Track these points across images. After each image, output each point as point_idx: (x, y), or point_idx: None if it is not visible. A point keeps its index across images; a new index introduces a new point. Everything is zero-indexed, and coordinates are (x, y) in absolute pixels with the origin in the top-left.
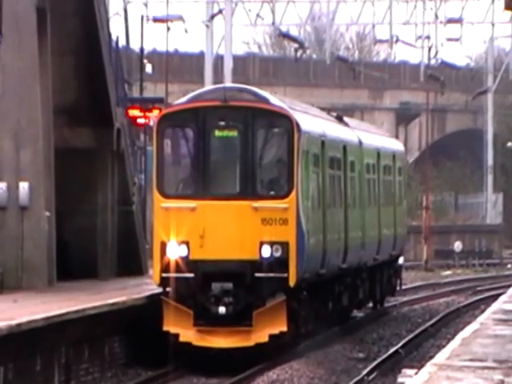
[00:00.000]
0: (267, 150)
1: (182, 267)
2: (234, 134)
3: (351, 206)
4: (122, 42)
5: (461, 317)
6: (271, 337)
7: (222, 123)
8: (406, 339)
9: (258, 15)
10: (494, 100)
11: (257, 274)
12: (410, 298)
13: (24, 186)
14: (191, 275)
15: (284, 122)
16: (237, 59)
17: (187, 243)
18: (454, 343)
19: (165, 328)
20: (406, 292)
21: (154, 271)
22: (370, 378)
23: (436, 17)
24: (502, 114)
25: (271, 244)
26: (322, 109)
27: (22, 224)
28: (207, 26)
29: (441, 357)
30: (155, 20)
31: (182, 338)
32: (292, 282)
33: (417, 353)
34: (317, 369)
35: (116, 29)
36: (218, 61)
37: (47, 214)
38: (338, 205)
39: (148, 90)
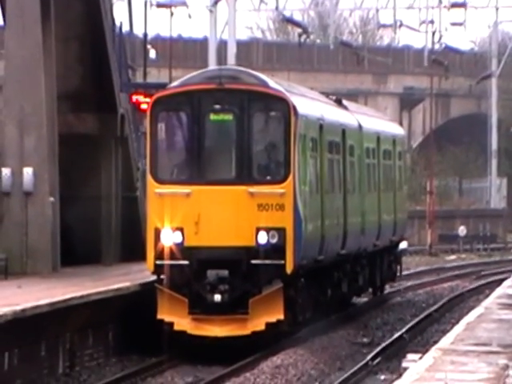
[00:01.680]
0: (264, 133)
1: (176, 254)
2: (229, 117)
3: (350, 191)
4: (125, 28)
5: (465, 301)
6: (268, 325)
7: (218, 107)
8: (411, 324)
9: (261, 0)
10: (498, 84)
11: (253, 261)
12: (414, 282)
13: (28, 172)
14: (186, 262)
15: (281, 106)
16: (240, 44)
17: (182, 230)
18: (459, 328)
19: (159, 316)
20: (410, 277)
21: (148, 258)
22: (375, 362)
23: (440, 1)
24: (506, 98)
25: (268, 230)
26: (322, 93)
27: (26, 210)
28: (211, 11)
29: (445, 341)
30: (159, 5)
31: (176, 327)
32: (289, 269)
33: (421, 338)
34: (321, 354)
35: (120, 14)
36: (222, 46)
37: (51, 199)
38: (337, 190)
39: (152, 76)
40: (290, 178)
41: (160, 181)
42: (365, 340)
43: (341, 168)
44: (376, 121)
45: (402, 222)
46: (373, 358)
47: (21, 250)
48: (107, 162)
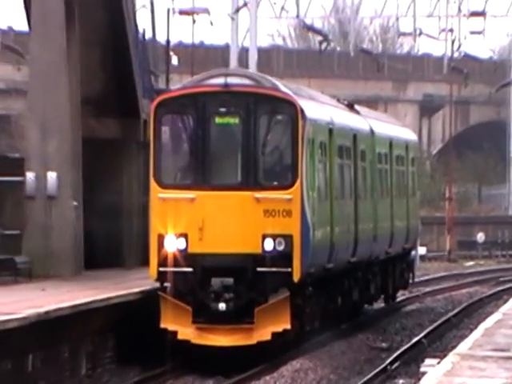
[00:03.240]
0: (270, 137)
1: (180, 261)
2: (235, 120)
3: (362, 197)
4: (148, 34)
5: (483, 307)
6: (274, 335)
7: (223, 109)
8: (429, 329)
9: (282, 8)
10: None
11: (259, 269)
12: (433, 288)
13: (52, 176)
14: (190, 270)
15: (288, 109)
16: (261, 51)
17: (186, 236)
18: (477, 333)
19: (162, 325)
20: (428, 282)
21: (151, 265)
22: (393, 367)
23: (459, 10)
24: None
25: (274, 237)
26: (333, 97)
27: (49, 213)
28: (232, 18)
29: (463, 347)
30: (181, 12)
31: (180, 336)
32: (296, 277)
33: (439, 343)
34: (340, 358)
35: (143, 21)
36: (243, 53)
37: (74, 203)
38: (348, 196)
39: (174, 82)
40: (298, 183)
41: (163, 185)
42: (383, 345)
43: (351, 173)
44: (388, 126)
45: (415, 228)
46: (391, 363)
47: (44, 253)
48: (129, 167)
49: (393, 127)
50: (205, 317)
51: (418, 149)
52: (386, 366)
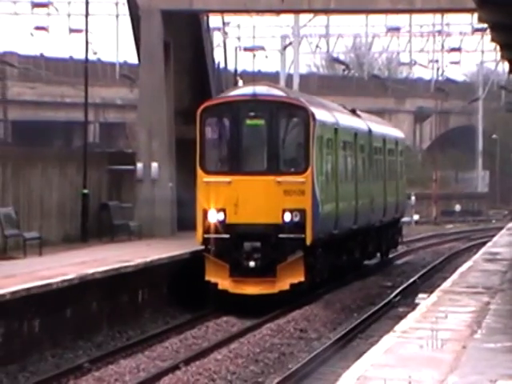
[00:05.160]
0: (288, 135)
1: (219, 229)
2: (261, 122)
3: (361, 180)
4: (221, 65)
5: (459, 257)
6: (292, 285)
7: (252, 114)
8: (421, 273)
9: (317, 46)
10: (483, 105)
11: (280, 235)
12: (424, 243)
13: (154, 165)
14: (227, 236)
15: (301, 113)
16: (302, 77)
17: (224, 210)
18: (455, 276)
19: (206, 278)
20: (420, 240)
21: (198, 233)
22: (396, 299)
23: (442, 47)
24: (489, 115)
25: (291, 211)
26: (340, 105)
27: (153, 191)
28: (281, 53)
29: (445, 285)
30: (245, 49)
31: (220, 287)
32: (308, 241)
33: (429, 282)
34: (358, 293)
35: (218, 56)
36: (289, 78)
37: (170, 184)
38: (350, 179)
39: None
40: (309, 169)
41: (207, 172)
42: (389, 284)
43: (353, 162)
44: (382, 127)
45: (403, 203)
46: (394, 296)
47: (150, 219)
48: None
49: (385, 128)
50: (239, 272)
51: (404, 143)
52: (390, 299)
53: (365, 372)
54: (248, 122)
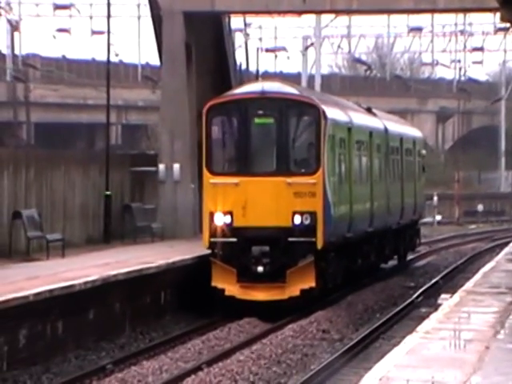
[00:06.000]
0: (298, 134)
1: (226, 233)
2: (270, 121)
3: (376, 181)
4: (243, 66)
5: (482, 257)
6: (302, 291)
7: (261, 112)
8: (444, 273)
9: (338, 46)
10: (506, 105)
11: (290, 239)
12: (446, 244)
13: (176, 167)
14: (234, 240)
15: (312, 111)
16: (323, 78)
17: (231, 213)
18: (478, 276)
19: (213, 284)
20: (443, 240)
21: (204, 236)
22: (418, 300)
23: (465, 46)
24: None
25: (302, 213)
26: (357, 103)
27: (175, 193)
28: (303, 54)
29: (468, 285)
30: (267, 50)
31: (227, 293)
32: (319, 245)
33: (451, 283)
34: (380, 294)
35: (239, 57)
36: (311, 79)
37: (192, 186)
38: (364, 180)
39: None
40: (320, 170)
41: (214, 173)
42: (411, 284)
43: (368, 162)
44: (399, 126)
45: (421, 204)
46: (417, 297)
47: (172, 220)
48: None
49: (403, 127)
50: (247, 277)
51: (423, 143)
52: (413, 300)
53: (387, 373)
54: (256, 120)
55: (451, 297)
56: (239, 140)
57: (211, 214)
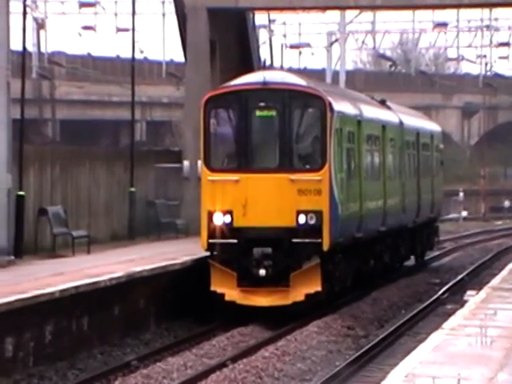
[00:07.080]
0: (303, 127)
1: (226, 234)
2: (272, 113)
3: (390, 177)
4: (267, 62)
5: (509, 253)
6: (307, 296)
7: (262, 104)
8: (469, 269)
9: (363, 42)
10: None
11: (293, 240)
12: (472, 240)
13: (200, 163)
14: (235, 241)
15: (317, 103)
16: (348, 73)
17: (231, 212)
18: (504, 272)
19: (212, 288)
20: (469, 236)
21: (202, 237)
22: (444, 296)
23: (491, 41)
24: None
25: (306, 212)
26: (371, 96)
27: (199, 189)
28: (327, 50)
29: (494, 282)
30: (291, 46)
31: (227, 297)
32: (326, 247)
33: (477, 279)
34: (405, 290)
35: (264, 53)
36: (335, 75)
37: None
38: (376, 176)
39: None
40: (326, 166)
41: (212, 169)
42: (437, 281)
43: (380, 158)
44: (416, 119)
45: (439, 201)
46: (442, 294)
47: (196, 217)
48: None
49: (419, 120)
50: (248, 281)
51: (440, 138)
52: (438, 296)
53: (413, 369)
54: (258, 113)
55: (477, 293)
56: (239, 134)
57: (210, 214)
